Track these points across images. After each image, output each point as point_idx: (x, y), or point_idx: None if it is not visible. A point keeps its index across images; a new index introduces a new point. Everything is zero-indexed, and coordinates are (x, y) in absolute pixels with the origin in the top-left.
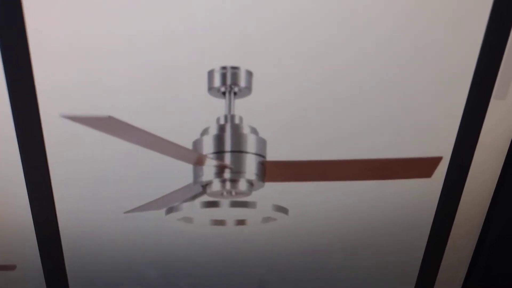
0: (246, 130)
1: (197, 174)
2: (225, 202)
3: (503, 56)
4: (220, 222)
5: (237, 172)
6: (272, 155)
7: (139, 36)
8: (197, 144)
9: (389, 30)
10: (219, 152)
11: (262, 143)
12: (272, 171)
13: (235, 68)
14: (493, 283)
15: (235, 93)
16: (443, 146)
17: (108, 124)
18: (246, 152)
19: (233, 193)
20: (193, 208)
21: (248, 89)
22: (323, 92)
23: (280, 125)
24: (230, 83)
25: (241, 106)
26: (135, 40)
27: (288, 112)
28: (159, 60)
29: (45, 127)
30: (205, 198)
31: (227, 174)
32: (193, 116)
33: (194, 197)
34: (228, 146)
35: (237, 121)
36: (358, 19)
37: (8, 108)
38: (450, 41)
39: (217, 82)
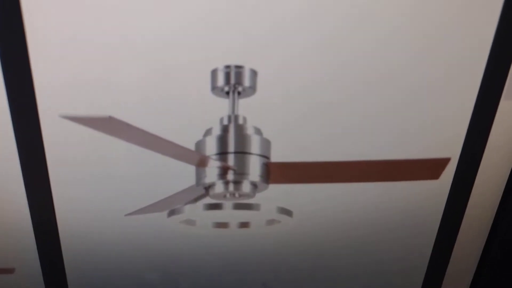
0: (250, 130)
1: (199, 176)
2: (228, 204)
3: None
4: (223, 225)
5: (241, 173)
6: (276, 156)
7: (140, 34)
8: (200, 145)
9: (395, 28)
10: (222, 153)
11: (266, 144)
12: (276, 172)
13: (239, 67)
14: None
15: (239, 93)
16: (451, 147)
17: (108, 125)
18: (250, 153)
19: (237, 195)
20: (196, 211)
21: (252, 88)
22: (329, 91)
23: (285, 125)
24: (234, 82)
25: (245, 106)
26: (136, 38)
27: (293, 112)
28: (161, 58)
29: (44, 127)
30: (208, 200)
31: (230, 176)
32: (196, 116)
33: (196, 199)
34: (231, 147)
35: (241, 121)
36: (362, 16)
37: (7, 107)
38: (459, 42)
39: (220, 81)
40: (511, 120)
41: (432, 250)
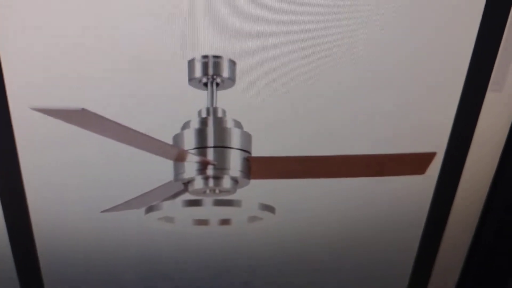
0: (230, 123)
1: (178, 171)
2: (208, 200)
3: (499, 49)
4: (203, 222)
5: (221, 168)
6: (257, 151)
7: (113, 24)
8: (177, 138)
9: (383, 26)
10: (201, 148)
11: (247, 137)
12: (258, 167)
13: (217, 57)
14: (488, 283)
15: (217, 84)
16: (437, 141)
17: (81, 117)
18: (230, 148)
19: (217, 191)
20: (174, 207)
21: (231, 80)
22: (313, 84)
23: (266, 118)
24: (212, 73)
25: (224, 98)
26: (109, 29)
27: (274, 105)
28: (136, 50)
29: (17, 128)
30: (187, 196)
31: (210, 171)
32: (173, 109)
33: (175, 195)
34: (211, 141)
35: (220, 114)
36: (349, 12)
37: None
38: (444, 35)
39: (198, 72)
40: (498, 112)
41: (419, 244)
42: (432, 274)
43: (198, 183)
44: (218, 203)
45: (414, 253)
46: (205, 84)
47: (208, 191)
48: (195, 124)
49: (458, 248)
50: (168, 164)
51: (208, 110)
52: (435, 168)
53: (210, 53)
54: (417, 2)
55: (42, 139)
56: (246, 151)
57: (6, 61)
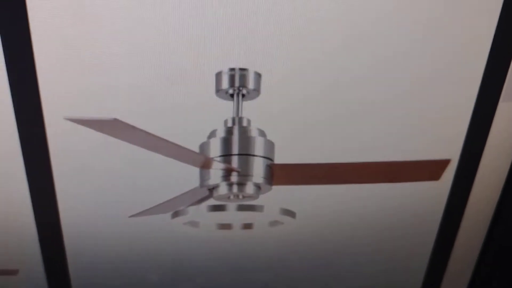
0: (254, 132)
1: (203, 178)
2: (232, 205)
3: (511, 59)
4: (226, 226)
5: (245, 175)
6: (280, 158)
7: (143, 38)
8: (204, 147)
9: (401, 37)
10: (226, 155)
11: (270, 145)
12: (280, 174)
13: (243, 70)
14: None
15: (243, 95)
16: (451, 148)
17: (113, 127)
18: (254, 155)
19: (240, 196)
20: (199, 212)
21: (256, 91)
22: (333, 95)
23: (288, 127)
24: (238, 85)
25: (249, 109)
26: (139, 42)
27: (296, 115)
28: (165, 61)
29: (50, 134)
30: (212, 201)
31: (234, 178)
32: (200, 119)
33: (200, 201)
34: (235, 149)
35: (245, 123)
36: (368, 24)
37: (12, 116)
38: (459, 44)
39: (225, 84)
40: (510, 122)
41: (432, 249)
42: (444, 278)
43: (223, 189)
44: (242, 208)
45: (427, 258)
46: (231, 95)
47: (232, 196)
48: (221, 133)
49: (470, 253)
50: (194, 171)
51: (233, 119)
52: (449, 175)
53: (236, 65)
54: (432, 14)
55: (74, 146)
56: (269, 158)
57: (41, 70)
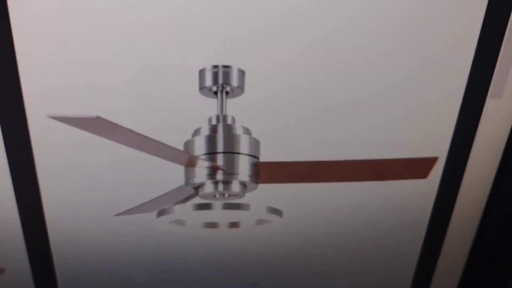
0: (239, 130)
1: (188, 176)
2: (217, 204)
3: (499, 55)
4: (212, 225)
5: (230, 173)
6: (265, 156)
7: (126, 35)
8: (188, 145)
9: (387, 33)
10: (211, 153)
11: (255, 143)
12: (266, 172)
13: (227, 67)
14: (488, 285)
15: (227, 93)
16: (439, 146)
17: (96, 125)
18: (239, 153)
19: (226, 195)
20: (185, 211)
21: (240, 88)
22: (318, 91)
23: (273, 125)
24: (222, 82)
25: (233, 106)
26: (123, 40)
27: (282, 112)
28: (148, 59)
29: (33, 132)
30: (197, 200)
31: (219, 176)
32: (184, 116)
33: (186, 199)
34: (220, 147)
35: (229, 121)
36: (354, 17)
37: None
38: (445, 41)
39: (208, 81)
40: (498, 118)
41: (422, 247)
42: (434, 277)
43: (208, 187)
44: (228, 206)
45: (416, 256)
46: (215, 93)
47: (217, 195)
48: (205, 131)
49: (459, 251)
50: (179, 169)
51: (218, 117)
52: (437, 172)
53: (219, 62)
54: (419, 12)
55: (58, 144)
56: (254, 156)
57: (23, 66)
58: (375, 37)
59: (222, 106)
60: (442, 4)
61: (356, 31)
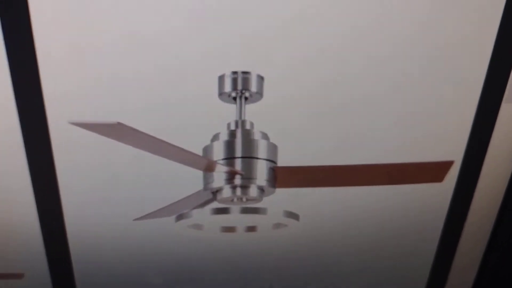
0: (257, 135)
1: (207, 181)
2: (235, 208)
3: None
4: (230, 229)
5: (248, 178)
6: (283, 161)
7: (146, 41)
8: (207, 150)
9: (400, 34)
10: (229, 158)
11: (273, 148)
12: (283, 176)
13: (246, 73)
14: (502, 287)
15: (246, 98)
16: (454, 150)
17: (116, 130)
18: (257, 158)
19: (244, 199)
20: (203, 215)
21: (259, 94)
22: (336, 96)
23: (291, 130)
24: (241, 88)
25: (252, 111)
26: (142, 45)
27: (299, 117)
28: (168, 64)
29: (53, 133)
30: (215, 204)
31: (237, 180)
32: (203, 122)
33: (204, 204)
34: (238, 152)
35: (248, 126)
36: (367, 22)
37: (16, 115)
38: (462, 46)
39: (227, 87)
40: None
41: (436, 252)
42: (448, 278)
43: (226, 192)
44: (245, 211)
45: (431, 258)
46: (234, 98)
47: (235, 199)
48: (224, 136)
49: (474, 252)
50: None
51: (236, 122)
52: (452, 176)
53: (239, 68)
54: (433, 15)
55: (79, 149)
56: (272, 161)
57: (44, 71)
58: (390, 41)
59: (241, 112)
60: (459, 7)
61: (374, 35)
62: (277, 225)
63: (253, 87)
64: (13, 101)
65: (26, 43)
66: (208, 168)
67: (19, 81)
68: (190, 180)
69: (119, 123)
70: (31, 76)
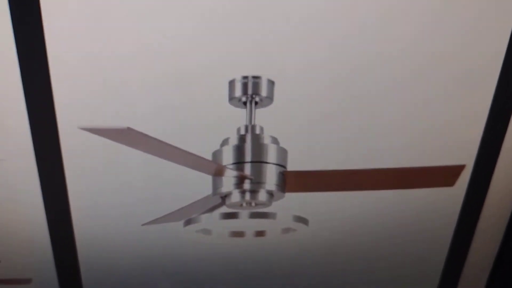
0: (267, 140)
1: (216, 185)
2: (244, 213)
3: None
4: (239, 234)
5: (257, 182)
6: (293, 165)
7: (156, 47)
8: (217, 155)
9: (410, 34)
10: (239, 163)
11: (283, 153)
12: (293, 181)
13: (256, 78)
14: None
15: (256, 103)
16: (466, 154)
17: (126, 135)
18: (267, 163)
19: (253, 204)
20: (212, 220)
21: (269, 98)
22: (346, 100)
23: (301, 134)
24: (251, 92)
25: (262, 116)
26: (152, 51)
27: (309, 121)
28: (178, 69)
29: (62, 138)
30: (224, 209)
31: (247, 185)
32: (213, 126)
33: (213, 209)
34: (248, 156)
35: (257, 131)
36: (376, 23)
37: (26, 120)
38: (474, 48)
39: (238, 91)
40: None
41: (447, 257)
42: (459, 284)
43: (235, 196)
44: (254, 215)
45: (442, 264)
46: (244, 103)
47: (244, 204)
48: (233, 141)
49: (485, 257)
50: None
51: (246, 127)
52: (464, 180)
53: (249, 73)
54: (447, 24)
55: (88, 154)
56: (282, 165)
57: (55, 77)
58: (402, 38)
59: (251, 116)
60: (472, 15)
61: (384, 37)
62: (286, 230)
63: (264, 92)
64: (24, 106)
65: (38, 49)
66: (217, 172)
67: (30, 86)
68: (200, 184)
69: (128, 128)
70: (43, 81)
